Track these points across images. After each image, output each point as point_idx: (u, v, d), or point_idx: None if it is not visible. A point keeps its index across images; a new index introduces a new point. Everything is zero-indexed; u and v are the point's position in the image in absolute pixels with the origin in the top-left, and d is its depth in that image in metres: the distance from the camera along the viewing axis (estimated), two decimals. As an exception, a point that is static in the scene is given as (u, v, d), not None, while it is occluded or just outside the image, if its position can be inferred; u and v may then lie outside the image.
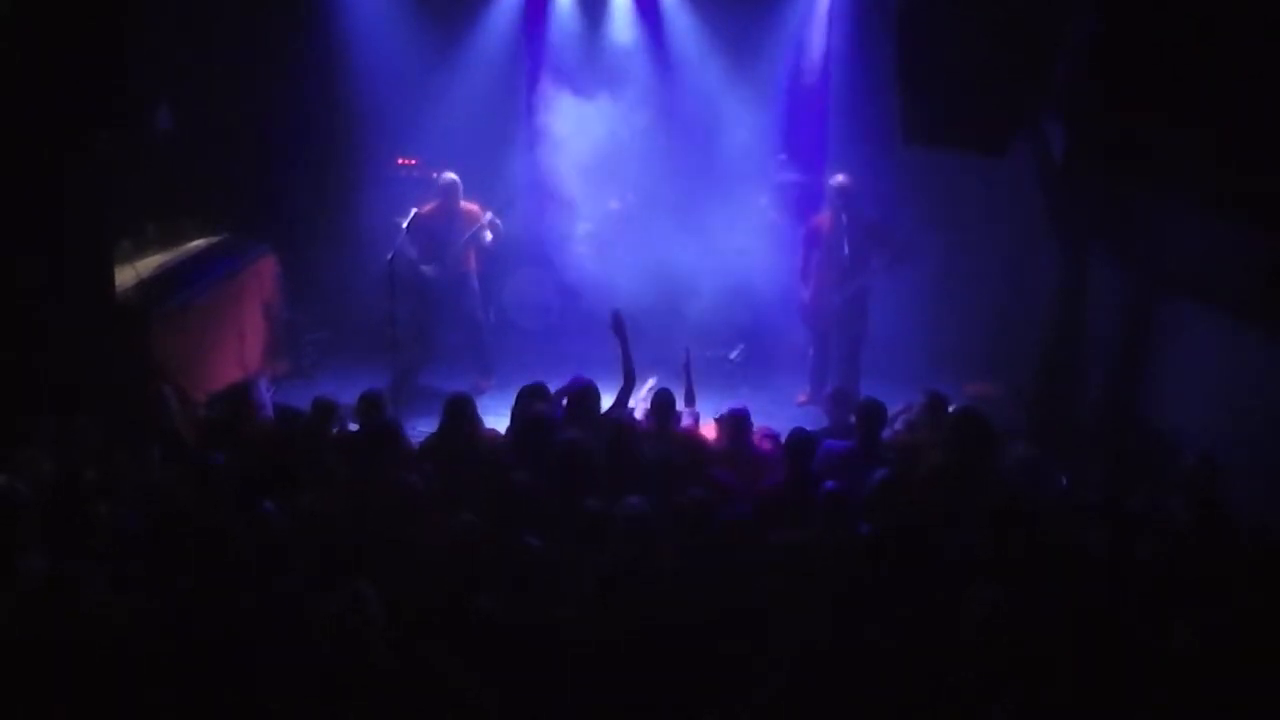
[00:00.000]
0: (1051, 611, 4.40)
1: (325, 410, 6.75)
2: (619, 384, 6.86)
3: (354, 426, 6.76)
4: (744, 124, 9.67)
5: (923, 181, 8.98)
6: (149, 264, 8.23)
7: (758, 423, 6.69)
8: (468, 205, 9.06)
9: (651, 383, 7.31)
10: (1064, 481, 6.10)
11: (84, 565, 4.51)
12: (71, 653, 4.14)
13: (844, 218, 8.56)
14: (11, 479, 5.06)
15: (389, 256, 8.78)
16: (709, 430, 6.83)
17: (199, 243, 8.99)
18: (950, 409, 6.51)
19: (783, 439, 6.23)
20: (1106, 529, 5.21)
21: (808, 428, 7.07)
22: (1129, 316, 8.13)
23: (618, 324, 7.02)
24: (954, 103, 6.78)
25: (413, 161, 9.29)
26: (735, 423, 6.43)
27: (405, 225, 8.69)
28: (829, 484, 5.31)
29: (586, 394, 6.46)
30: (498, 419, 6.98)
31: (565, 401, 6.54)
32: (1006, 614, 4.25)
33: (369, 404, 6.59)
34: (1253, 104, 5.73)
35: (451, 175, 8.96)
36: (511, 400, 6.67)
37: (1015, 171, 8.24)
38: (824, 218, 8.78)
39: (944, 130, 7.01)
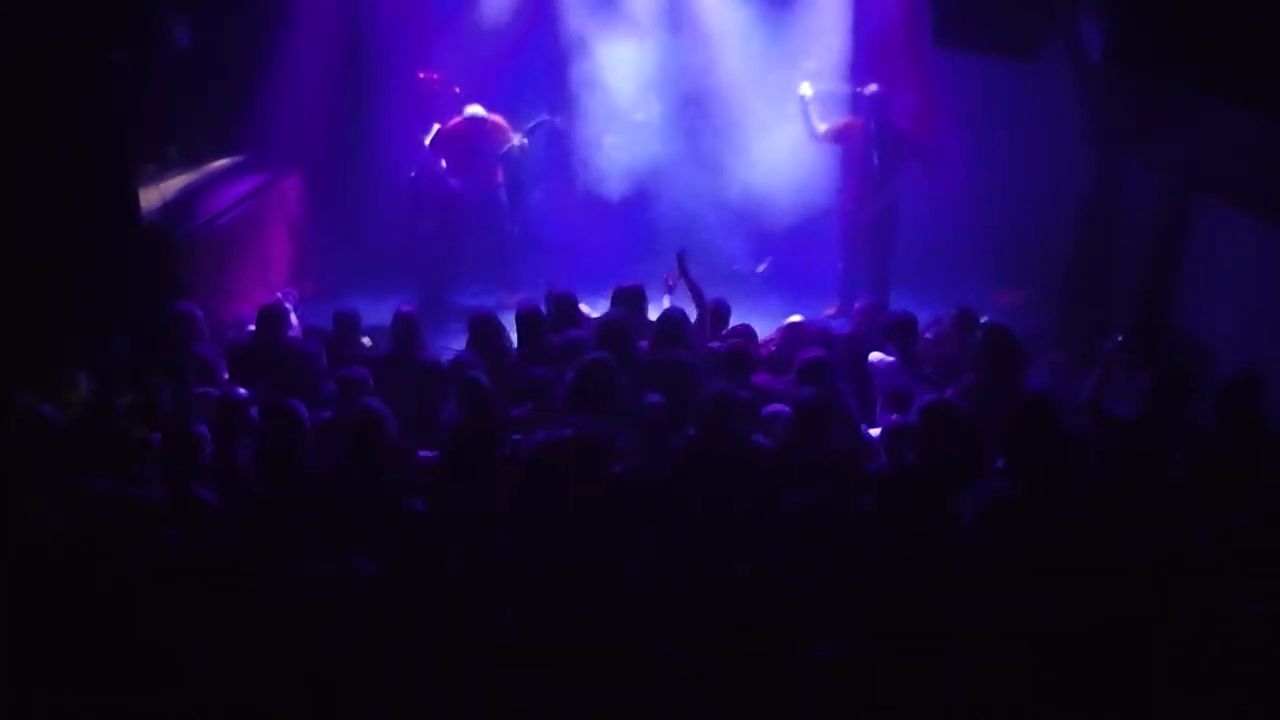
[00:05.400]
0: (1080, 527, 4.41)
1: (347, 323, 6.76)
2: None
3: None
4: (770, 33, 9.44)
5: (953, 87, 8.77)
6: (172, 185, 8.21)
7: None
8: (495, 119, 8.98)
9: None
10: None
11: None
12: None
13: (873, 126, 8.41)
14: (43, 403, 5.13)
15: (413, 173, 8.74)
16: None
17: (222, 162, 8.95)
18: (980, 322, 6.45)
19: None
20: (1138, 439, 5.18)
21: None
22: (1163, 220, 7.97)
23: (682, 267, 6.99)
24: (986, 4, 6.62)
25: (435, 76, 9.15)
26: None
27: (428, 141, 8.63)
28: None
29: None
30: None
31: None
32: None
33: (404, 325, 6.54)
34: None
35: (477, 109, 8.88)
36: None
37: (1047, 74, 8.04)
38: (853, 127, 8.62)
39: (976, 33, 6.87)
